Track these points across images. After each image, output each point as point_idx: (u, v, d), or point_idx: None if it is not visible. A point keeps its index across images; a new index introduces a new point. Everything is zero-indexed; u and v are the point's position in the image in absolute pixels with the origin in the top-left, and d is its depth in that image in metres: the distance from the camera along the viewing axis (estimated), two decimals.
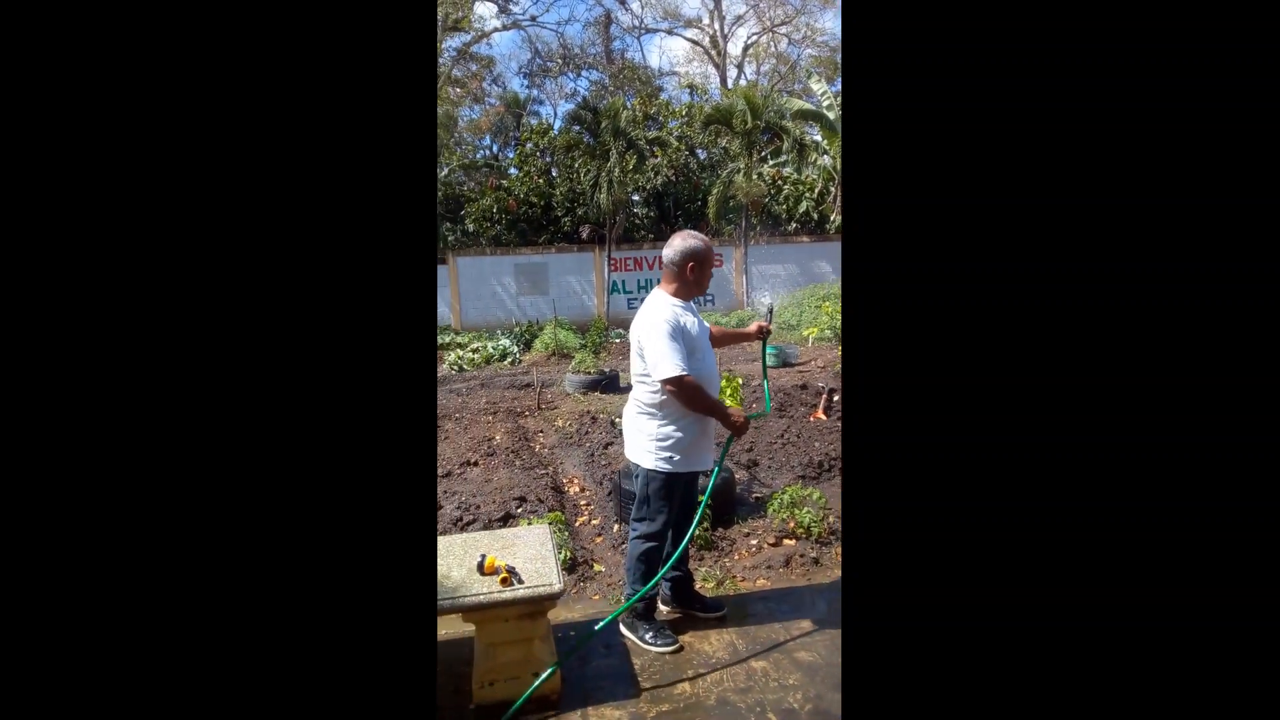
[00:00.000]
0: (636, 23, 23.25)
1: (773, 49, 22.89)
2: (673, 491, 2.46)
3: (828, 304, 10.53)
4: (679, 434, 2.41)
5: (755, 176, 12.74)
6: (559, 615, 2.64)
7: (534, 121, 18.14)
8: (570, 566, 3.10)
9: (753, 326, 2.78)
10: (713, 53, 22.58)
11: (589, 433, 5.58)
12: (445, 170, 15.52)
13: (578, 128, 13.20)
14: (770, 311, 2.79)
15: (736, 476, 4.07)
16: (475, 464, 4.84)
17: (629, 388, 2.59)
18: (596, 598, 2.95)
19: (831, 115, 13.21)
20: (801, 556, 3.18)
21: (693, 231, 2.52)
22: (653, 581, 2.50)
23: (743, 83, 20.17)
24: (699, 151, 15.31)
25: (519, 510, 3.80)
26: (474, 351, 10.28)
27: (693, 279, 2.44)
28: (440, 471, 4.67)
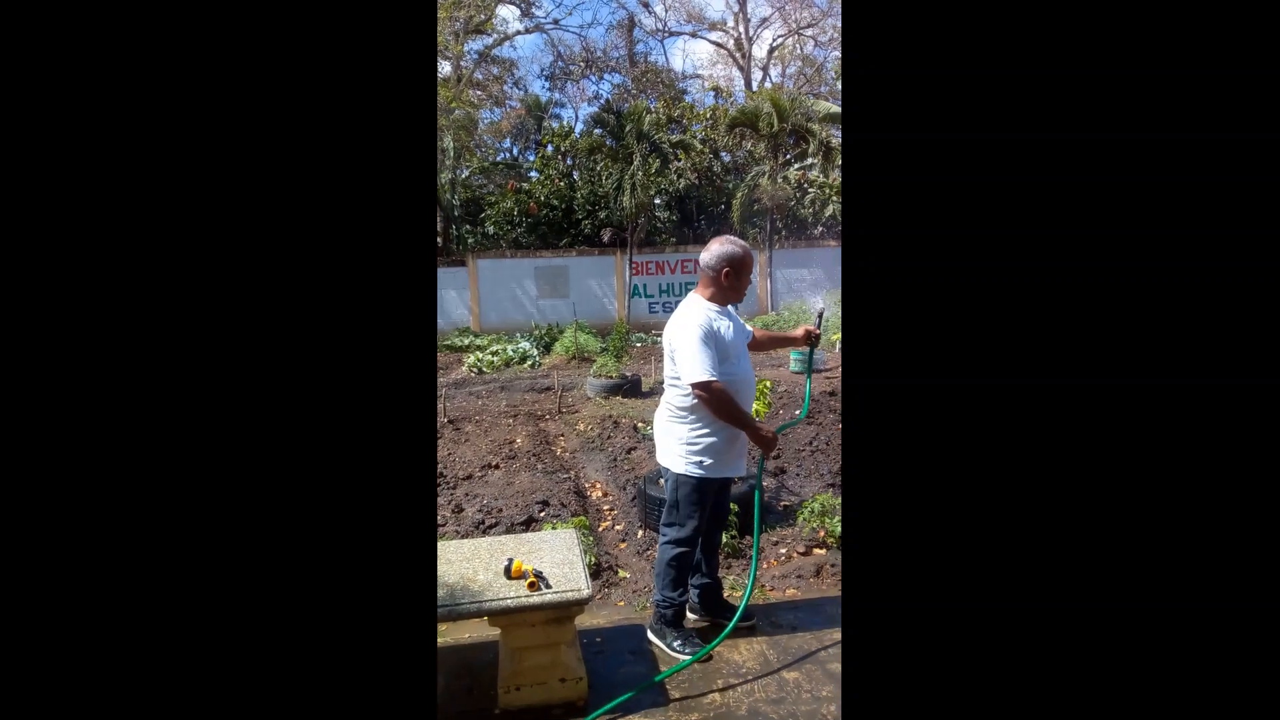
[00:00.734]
0: (660, 26, 23.17)
1: (799, 51, 22.63)
2: (704, 497, 2.41)
3: None
4: (711, 439, 2.35)
5: (780, 180, 12.66)
6: (584, 621, 2.59)
7: (555, 125, 18.16)
8: (595, 572, 3.05)
9: (799, 330, 2.68)
10: (737, 55, 22.42)
11: (611, 437, 5.53)
12: (465, 172, 15.60)
13: (600, 130, 13.21)
14: (820, 316, 2.68)
15: (764, 485, 4.00)
16: (496, 467, 4.81)
17: (651, 392, 2.53)
18: (621, 604, 2.90)
19: None
20: (832, 566, 3.10)
21: (732, 237, 2.45)
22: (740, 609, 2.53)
23: (768, 85, 20.01)
24: (723, 155, 15.25)
25: (541, 514, 3.77)
26: (493, 354, 10.29)
27: (728, 284, 2.37)
28: (461, 474, 4.65)
